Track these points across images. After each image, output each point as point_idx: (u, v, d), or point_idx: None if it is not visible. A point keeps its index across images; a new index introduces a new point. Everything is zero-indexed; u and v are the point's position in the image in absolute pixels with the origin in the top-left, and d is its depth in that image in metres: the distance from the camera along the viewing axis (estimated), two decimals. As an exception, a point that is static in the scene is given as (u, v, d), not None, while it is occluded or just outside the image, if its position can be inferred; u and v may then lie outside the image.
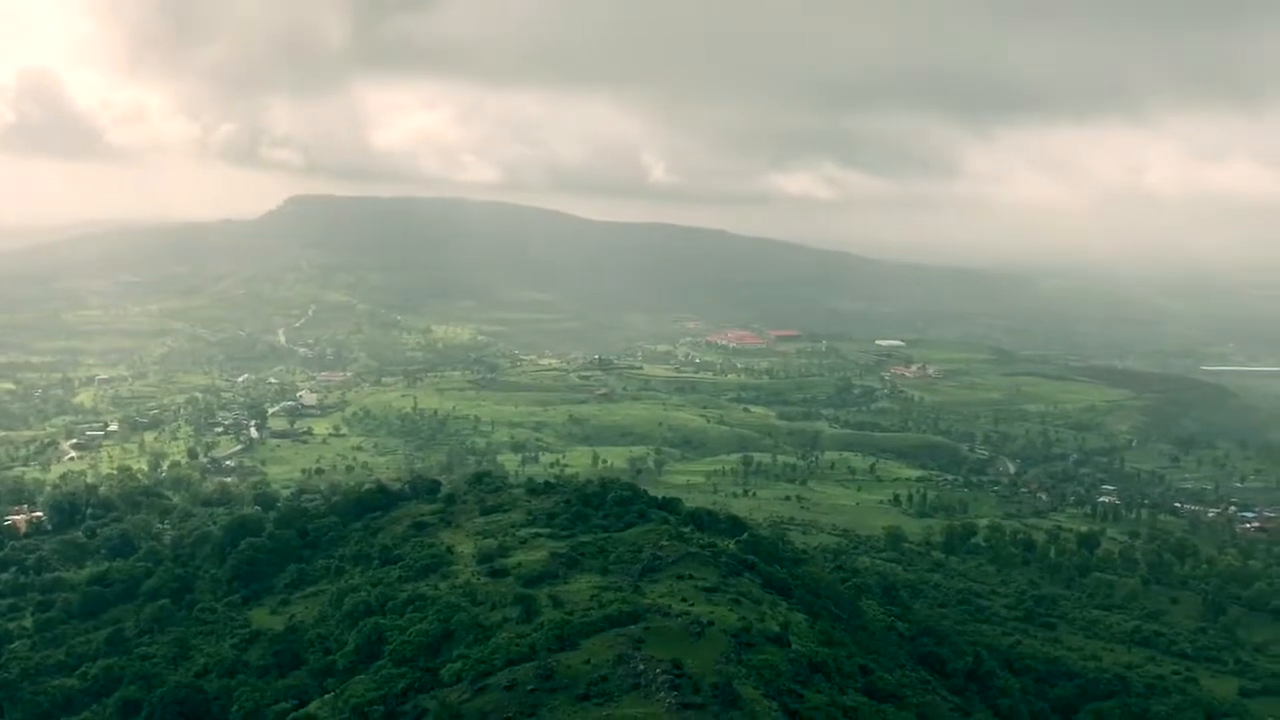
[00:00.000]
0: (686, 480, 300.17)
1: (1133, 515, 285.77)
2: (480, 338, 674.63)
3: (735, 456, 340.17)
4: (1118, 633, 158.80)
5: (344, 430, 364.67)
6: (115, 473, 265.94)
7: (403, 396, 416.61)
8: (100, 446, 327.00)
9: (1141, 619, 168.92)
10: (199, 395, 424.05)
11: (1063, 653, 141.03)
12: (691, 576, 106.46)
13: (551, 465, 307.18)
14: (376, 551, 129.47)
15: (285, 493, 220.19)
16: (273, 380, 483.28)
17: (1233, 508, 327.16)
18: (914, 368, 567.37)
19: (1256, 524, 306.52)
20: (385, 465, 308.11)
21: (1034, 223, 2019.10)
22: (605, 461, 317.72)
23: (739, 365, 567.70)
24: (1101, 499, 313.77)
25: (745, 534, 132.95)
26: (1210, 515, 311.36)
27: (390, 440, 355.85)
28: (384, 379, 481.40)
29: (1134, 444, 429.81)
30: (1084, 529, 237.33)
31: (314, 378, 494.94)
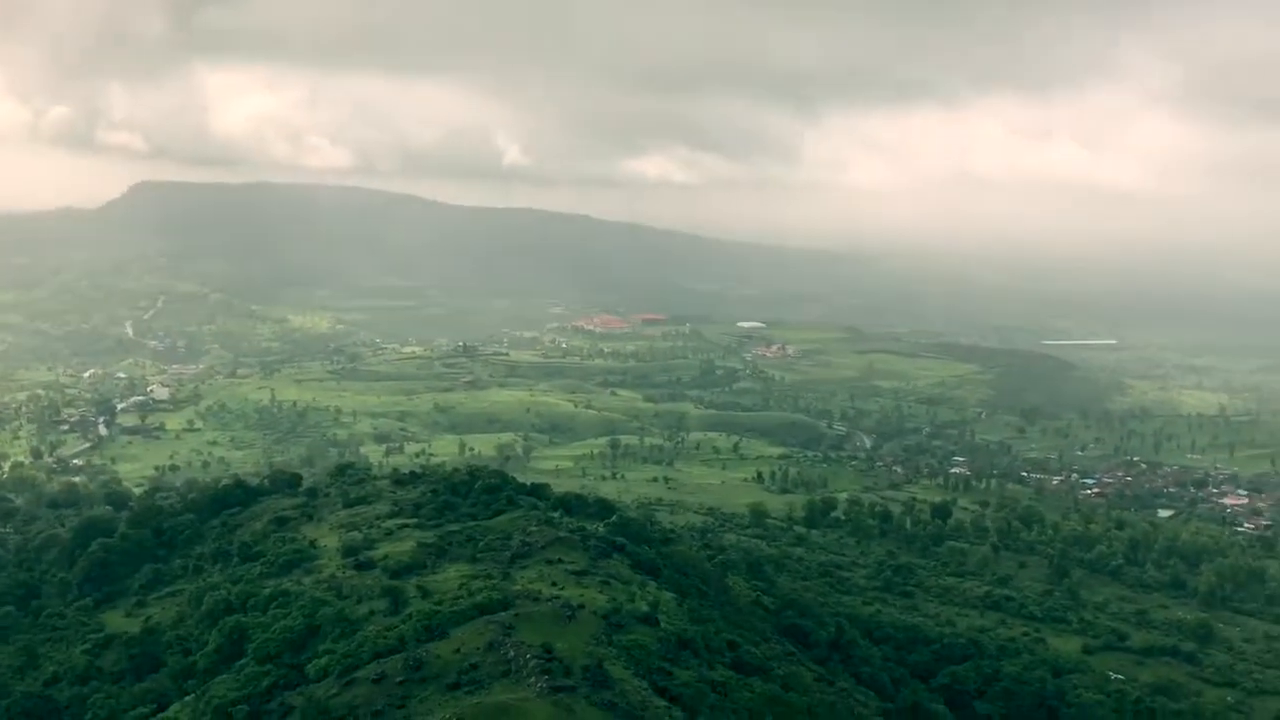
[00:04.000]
0: (555, 465, 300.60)
1: (982, 485, 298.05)
2: (340, 327, 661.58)
3: (603, 440, 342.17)
4: (970, 598, 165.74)
5: (199, 425, 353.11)
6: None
7: (259, 388, 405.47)
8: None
9: (992, 584, 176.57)
10: (42, 392, 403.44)
11: (920, 620, 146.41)
12: (561, 561, 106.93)
13: (417, 455, 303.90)
14: (236, 549, 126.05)
15: (138, 491, 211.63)
16: (121, 375, 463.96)
17: (1074, 475, 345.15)
18: (774, 348, 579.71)
19: (1096, 490, 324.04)
20: (243, 460, 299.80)
21: (875, 205, 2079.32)
22: (472, 449, 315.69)
23: (605, 349, 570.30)
24: (953, 470, 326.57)
25: (614, 516, 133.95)
26: (1054, 483, 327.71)
27: (247, 434, 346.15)
28: (239, 371, 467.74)
29: (982, 416, 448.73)
30: (937, 499, 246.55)
31: (165, 371, 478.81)
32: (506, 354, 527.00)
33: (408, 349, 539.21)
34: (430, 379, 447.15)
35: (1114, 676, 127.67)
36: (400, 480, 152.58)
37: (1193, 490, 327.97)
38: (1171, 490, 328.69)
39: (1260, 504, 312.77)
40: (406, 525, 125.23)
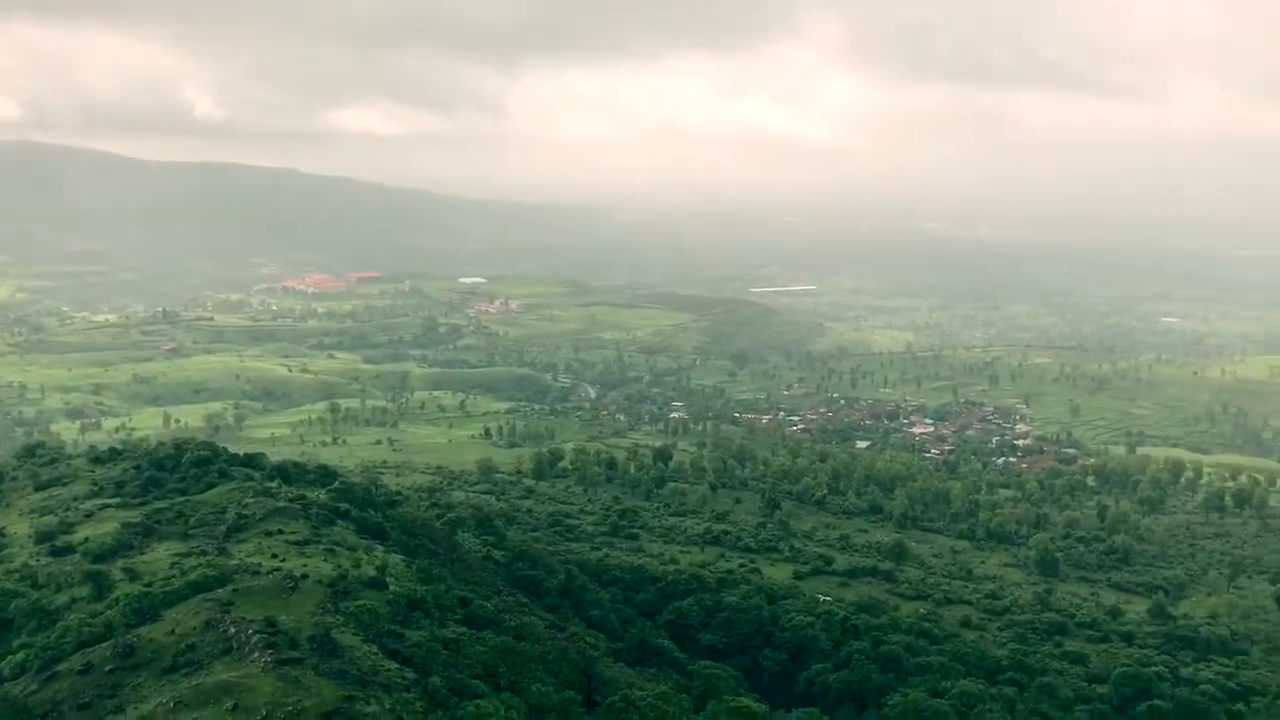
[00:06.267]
0: (271, 433, 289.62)
1: (700, 427, 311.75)
2: (20, 295, 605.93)
3: (322, 404, 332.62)
4: (691, 535, 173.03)
5: None
6: None
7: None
8: None
9: (711, 521, 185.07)
10: None
11: (645, 560, 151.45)
12: (281, 532, 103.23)
13: (117, 430, 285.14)
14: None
15: None
16: None
17: (782, 413, 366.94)
18: (497, 303, 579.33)
19: (802, 426, 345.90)
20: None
21: (588, 159, 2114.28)
22: (178, 421, 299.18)
23: (320, 310, 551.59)
24: (672, 415, 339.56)
25: (336, 482, 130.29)
26: (764, 422, 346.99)
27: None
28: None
29: (697, 363, 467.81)
30: (658, 444, 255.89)
31: None
32: (211, 319, 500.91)
33: (100, 317, 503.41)
34: (127, 348, 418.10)
35: (822, 599, 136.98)
36: (98, 458, 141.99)
37: (886, 422, 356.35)
38: (868, 423, 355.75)
39: (944, 431, 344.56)
40: (108, 505, 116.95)
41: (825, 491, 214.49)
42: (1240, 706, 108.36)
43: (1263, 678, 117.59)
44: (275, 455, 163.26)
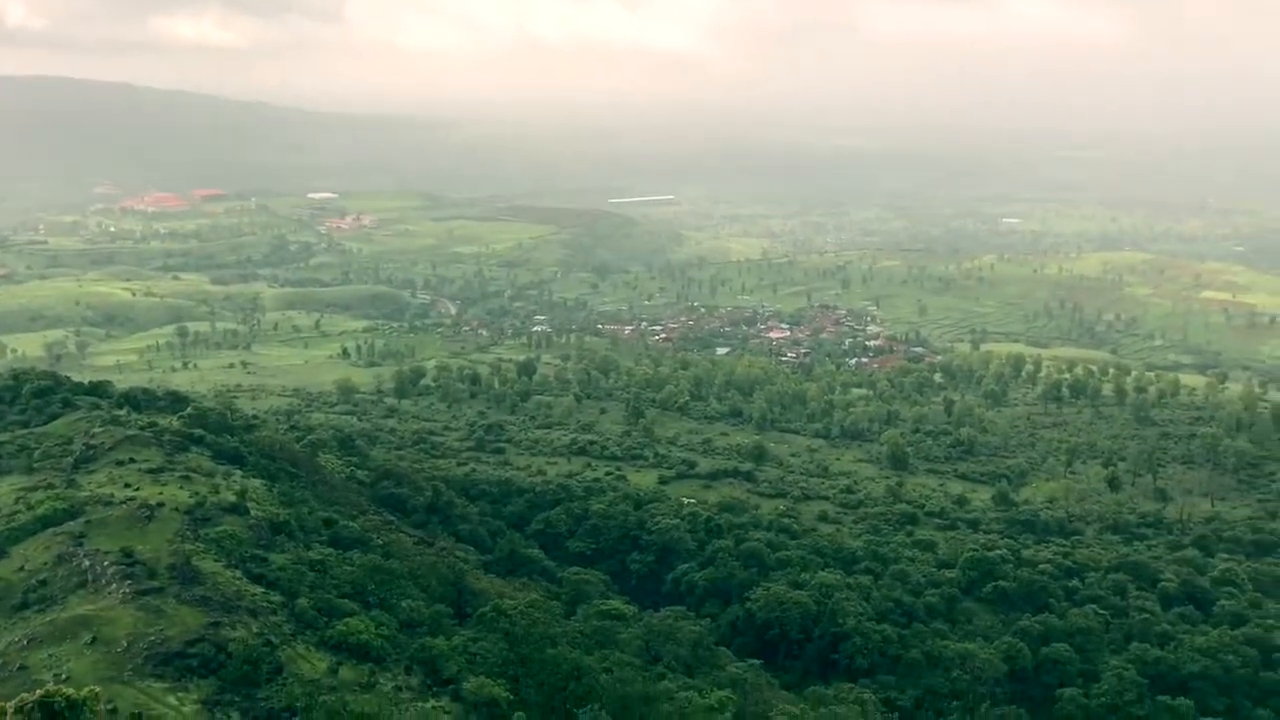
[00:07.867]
0: (116, 360, 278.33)
1: (563, 340, 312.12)
2: None
3: (169, 328, 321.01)
4: (558, 447, 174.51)
5: None
6: None
7: None
8: None
9: (577, 431, 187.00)
10: None
11: (512, 473, 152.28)
12: (133, 460, 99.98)
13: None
14: None
15: None
16: None
17: (644, 323, 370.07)
18: (349, 219, 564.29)
19: (664, 335, 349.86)
20: None
21: (438, 68, 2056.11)
22: (15, 351, 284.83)
23: (162, 230, 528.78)
24: (535, 329, 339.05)
25: (189, 408, 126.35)
26: (627, 332, 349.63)
27: None
28: None
29: (559, 275, 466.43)
30: (522, 358, 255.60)
31: None
32: (45, 242, 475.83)
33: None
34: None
35: (686, 501, 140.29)
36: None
37: (744, 328, 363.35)
38: (727, 330, 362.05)
39: (800, 335, 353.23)
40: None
41: (687, 398, 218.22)
42: (1075, 583, 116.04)
43: (1095, 555, 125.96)
44: (122, 382, 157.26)
